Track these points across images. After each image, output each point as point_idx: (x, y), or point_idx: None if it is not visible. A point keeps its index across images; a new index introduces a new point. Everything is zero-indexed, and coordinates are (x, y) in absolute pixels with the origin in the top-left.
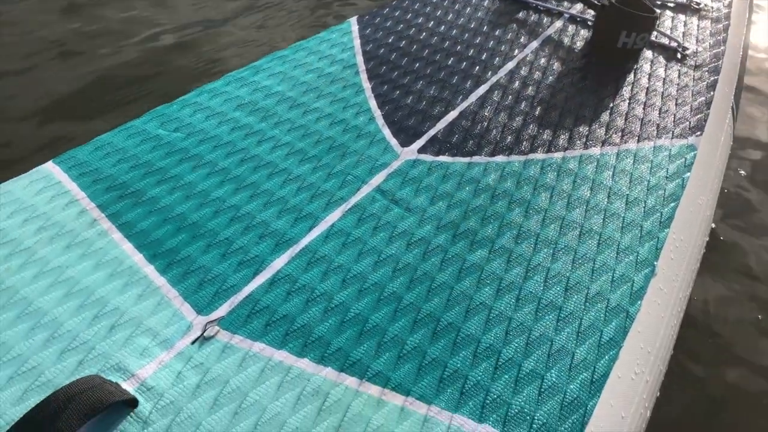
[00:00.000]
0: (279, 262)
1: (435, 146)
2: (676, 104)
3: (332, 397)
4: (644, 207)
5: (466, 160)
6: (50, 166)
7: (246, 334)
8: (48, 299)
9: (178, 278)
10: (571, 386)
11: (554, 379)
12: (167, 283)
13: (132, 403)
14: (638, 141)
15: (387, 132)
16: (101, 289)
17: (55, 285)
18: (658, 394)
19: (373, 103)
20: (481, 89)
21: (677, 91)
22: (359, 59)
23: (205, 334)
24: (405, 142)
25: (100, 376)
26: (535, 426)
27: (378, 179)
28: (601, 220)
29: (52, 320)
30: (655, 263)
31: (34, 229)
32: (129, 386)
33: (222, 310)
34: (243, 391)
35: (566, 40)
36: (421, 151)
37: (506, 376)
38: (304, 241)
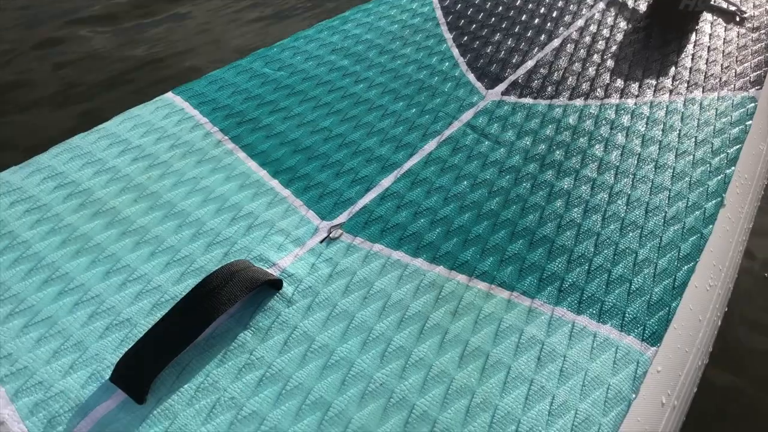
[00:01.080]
0: (386, 182)
1: (516, 90)
2: (736, 61)
3: (446, 289)
4: (712, 147)
5: (547, 102)
6: (171, 96)
7: (366, 236)
8: (189, 203)
9: (300, 191)
10: (656, 289)
11: (640, 284)
12: (291, 195)
13: (277, 285)
14: (703, 91)
15: (471, 76)
16: (235, 196)
17: (193, 192)
18: (726, 308)
19: (455, 52)
20: (555, 42)
21: (737, 50)
22: (438, 13)
23: (331, 235)
24: (489, 86)
25: (249, 261)
26: (627, 318)
27: (467, 116)
28: (674, 157)
29: (196, 220)
30: (724, 195)
31: (167, 146)
32: (272, 273)
33: (342, 218)
34: (369, 281)
35: (630, 2)
36: (504, 93)
37: (598, 279)
38: (407, 166)
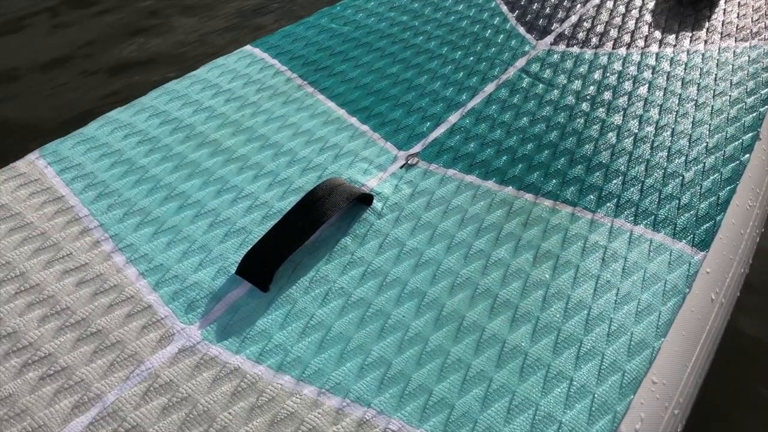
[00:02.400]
0: (453, 118)
1: (564, 40)
2: (765, 15)
3: (516, 205)
4: (746, 89)
5: (592, 51)
6: (250, 48)
7: (440, 163)
8: (281, 136)
9: (377, 126)
10: (702, 205)
11: (688, 200)
12: (369, 129)
13: (368, 200)
14: (736, 41)
15: (521, 29)
16: (320, 131)
17: (284, 127)
18: (764, 229)
19: (504, 8)
20: (594, 1)
21: (766, 5)
22: None
23: (408, 162)
24: (538, 37)
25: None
26: (678, 228)
27: (521, 63)
28: (712, 96)
29: (290, 150)
30: (759, 129)
31: (254, 89)
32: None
33: (417, 148)
34: (447, 199)
35: None
36: (552, 44)
37: (650, 197)
38: (470, 105)
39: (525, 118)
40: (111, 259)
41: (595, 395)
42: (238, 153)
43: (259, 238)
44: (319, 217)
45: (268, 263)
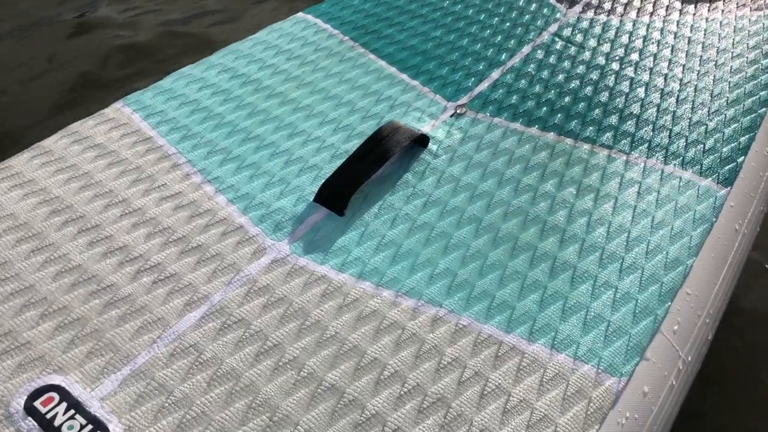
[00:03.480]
0: (495, 75)
1: (591, 9)
2: None
3: (558, 149)
4: (762, 51)
5: (618, 18)
6: (302, 15)
7: (486, 113)
8: (340, 89)
9: (426, 81)
10: (724, 149)
11: (712, 145)
12: (419, 84)
13: (424, 142)
14: (750, 10)
15: (552, 0)
16: (374, 86)
17: (341, 82)
18: None
19: None
20: None
21: None
22: None
23: (458, 112)
24: (568, 6)
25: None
26: (704, 167)
27: (553, 28)
28: (730, 58)
29: (348, 101)
30: None
31: (311, 50)
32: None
33: (464, 100)
34: (495, 142)
35: None
36: (581, 12)
37: (677, 143)
38: (509, 63)
39: (561, 75)
40: (201, 189)
41: (638, 301)
42: (303, 103)
43: (331, 173)
44: (385, 152)
45: (343, 191)
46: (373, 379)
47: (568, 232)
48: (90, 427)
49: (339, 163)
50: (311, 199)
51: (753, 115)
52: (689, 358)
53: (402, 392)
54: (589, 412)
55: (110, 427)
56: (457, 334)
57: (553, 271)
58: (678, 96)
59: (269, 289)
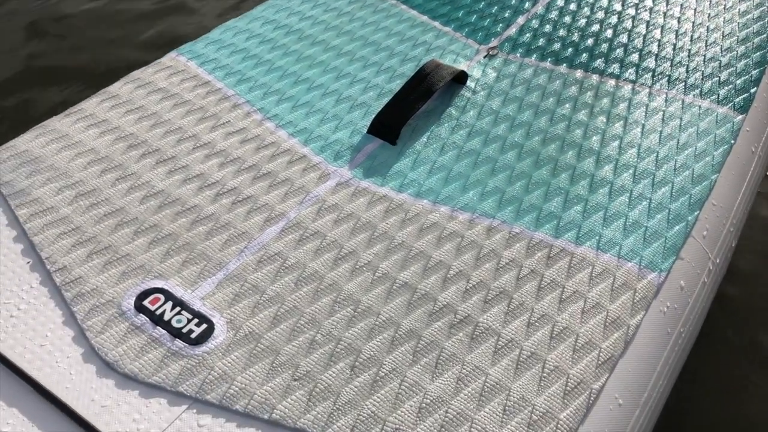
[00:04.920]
0: (521, 20)
1: None
2: None
3: (586, 84)
4: (753, 15)
5: None
6: None
7: (517, 53)
8: (377, 36)
9: (457, 27)
10: (738, 81)
11: (726, 77)
12: (452, 30)
13: (463, 79)
14: None
15: None
16: (409, 32)
17: (378, 30)
18: None
19: None
20: None
21: None
22: None
23: (490, 53)
24: None
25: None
26: (720, 96)
27: None
28: (723, 22)
29: (386, 46)
30: None
31: (345, 2)
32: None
33: (495, 42)
34: (527, 78)
35: None
36: None
37: (694, 76)
38: (533, 10)
39: (582, 20)
40: (263, 125)
41: (670, 210)
42: (344, 49)
43: (379, 109)
44: (430, 87)
45: (395, 123)
46: (441, 277)
47: (602, 154)
48: (196, 320)
49: (386, 100)
50: (365, 132)
51: (762, 51)
52: (717, 260)
53: (467, 287)
54: (635, 301)
55: (214, 320)
56: (511, 240)
57: (592, 186)
58: (692, 36)
59: (338, 207)
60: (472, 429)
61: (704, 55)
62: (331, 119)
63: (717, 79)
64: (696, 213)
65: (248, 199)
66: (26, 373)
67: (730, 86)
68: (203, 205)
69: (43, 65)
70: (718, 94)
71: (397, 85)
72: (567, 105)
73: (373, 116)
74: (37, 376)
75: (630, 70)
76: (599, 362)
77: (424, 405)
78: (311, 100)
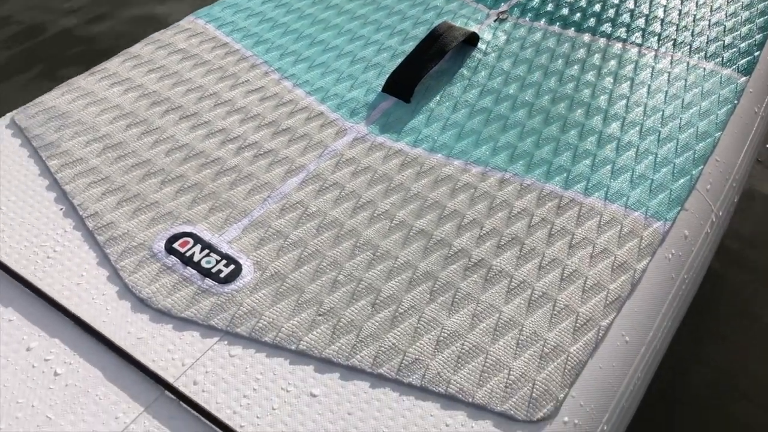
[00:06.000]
0: None
1: None
2: None
3: (594, 47)
4: None
5: None
6: None
7: (526, 17)
8: (388, 1)
9: None
10: (742, 45)
11: (730, 41)
12: None
13: (474, 41)
14: None
15: None
16: None
17: None
18: None
19: None
20: None
21: None
22: None
23: (500, 17)
24: None
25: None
26: (725, 58)
27: None
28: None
29: (398, 10)
30: None
31: None
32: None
33: (504, 7)
34: (536, 41)
35: None
36: None
37: (698, 40)
38: None
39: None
40: (281, 84)
41: (675, 164)
42: (358, 13)
43: (393, 69)
44: (443, 47)
45: (409, 81)
46: (455, 224)
47: (610, 112)
48: (225, 261)
49: (399, 61)
50: (379, 90)
51: (766, 17)
52: (720, 213)
53: (481, 234)
54: (641, 247)
55: (241, 262)
56: (523, 192)
57: (600, 142)
58: (697, 1)
59: (355, 161)
60: (488, 360)
61: (709, 20)
62: (346, 79)
63: (721, 42)
64: (700, 168)
65: (269, 152)
66: (65, 307)
67: (734, 49)
68: (226, 157)
69: None
70: (723, 57)
71: (409, 47)
72: (575, 66)
73: (387, 76)
74: (76, 311)
75: (636, 34)
76: (607, 302)
77: (441, 338)
78: (326, 61)
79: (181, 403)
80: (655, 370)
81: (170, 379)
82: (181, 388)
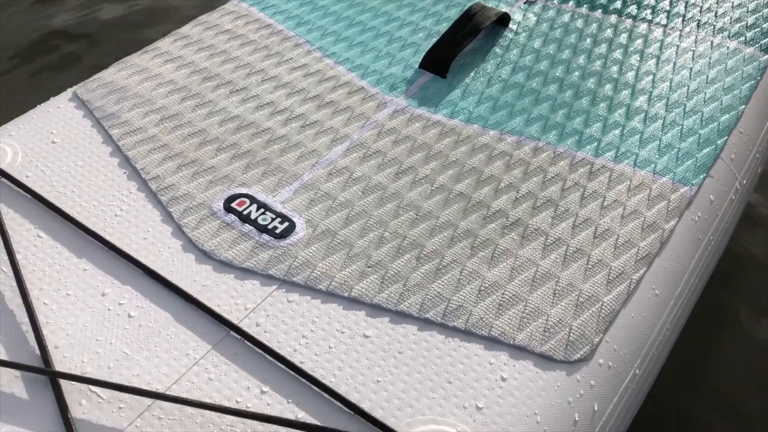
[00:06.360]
0: None
1: None
2: None
3: (620, 27)
4: None
5: None
6: None
7: (555, 0)
8: None
9: None
10: (764, 25)
11: (753, 22)
12: None
13: (506, 21)
14: None
15: None
16: None
17: None
18: None
19: None
20: None
21: None
22: None
23: (530, 0)
24: None
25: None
26: (747, 38)
27: None
28: None
29: None
30: None
31: None
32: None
33: None
34: (565, 22)
35: None
36: None
37: (722, 21)
38: None
39: None
40: (323, 61)
41: (701, 134)
42: None
43: (428, 48)
44: (477, 25)
45: (445, 57)
46: (493, 188)
47: (637, 87)
48: (279, 219)
49: (434, 40)
50: (416, 67)
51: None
52: (744, 182)
53: (517, 197)
54: (669, 209)
55: (295, 219)
56: (556, 159)
57: (628, 114)
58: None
59: (396, 131)
60: (527, 308)
61: (732, 1)
62: (384, 56)
63: (744, 22)
64: (724, 138)
65: (315, 123)
66: (135, 258)
67: (757, 29)
68: (275, 128)
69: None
70: (746, 36)
71: (443, 27)
72: (603, 45)
73: (423, 54)
74: (145, 262)
75: (661, 15)
76: (638, 258)
77: (482, 288)
78: (365, 40)
79: (245, 341)
80: (683, 324)
81: (234, 321)
82: (245, 329)
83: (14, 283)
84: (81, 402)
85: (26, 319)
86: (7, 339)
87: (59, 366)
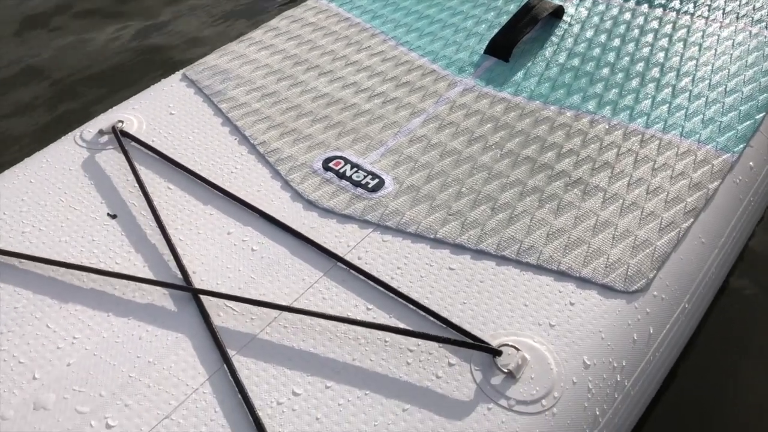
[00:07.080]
0: None
1: None
2: None
3: (665, 19)
4: None
5: None
6: None
7: None
8: None
9: None
10: None
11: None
12: None
13: (560, 14)
14: None
15: None
16: None
17: None
18: None
19: None
20: None
21: None
22: None
23: None
24: None
25: None
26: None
27: None
28: None
29: None
30: None
31: None
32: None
33: None
34: (614, 15)
35: None
36: None
37: (745, 9)
38: None
39: None
40: (398, 49)
41: (740, 110)
42: None
43: (491, 37)
44: (536, 15)
45: (508, 43)
46: (556, 153)
47: (681, 71)
48: (370, 176)
49: (496, 30)
50: (482, 53)
51: None
52: None
53: (578, 160)
54: (713, 172)
55: (383, 177)
56: (611, 129)
57: (674, 93)
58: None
59: (466, 106)
60: (590, 249)
61: None
62: (452, 44)
63: (766, 10)
64: (762, 114)
65: (394, 99)
66: (252, 204)
67: None
68: (361, 103)
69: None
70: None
71: (504, 19)
72: (649, 35)
73: (487, 42)
74: (260, 207)
75: (703, 8)
76: (686, 211)
77: (550, 233)
78: (434, 30)
79: (350, 271)
80: (726, 272)
81: (340, 254)
82: (349, 260)
83: (154, 224)
84: (219, 314)
85: (167, 251)
86: (153, 266)
87: (198, 286)
